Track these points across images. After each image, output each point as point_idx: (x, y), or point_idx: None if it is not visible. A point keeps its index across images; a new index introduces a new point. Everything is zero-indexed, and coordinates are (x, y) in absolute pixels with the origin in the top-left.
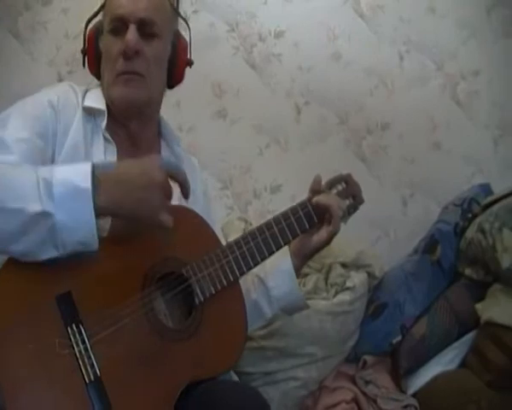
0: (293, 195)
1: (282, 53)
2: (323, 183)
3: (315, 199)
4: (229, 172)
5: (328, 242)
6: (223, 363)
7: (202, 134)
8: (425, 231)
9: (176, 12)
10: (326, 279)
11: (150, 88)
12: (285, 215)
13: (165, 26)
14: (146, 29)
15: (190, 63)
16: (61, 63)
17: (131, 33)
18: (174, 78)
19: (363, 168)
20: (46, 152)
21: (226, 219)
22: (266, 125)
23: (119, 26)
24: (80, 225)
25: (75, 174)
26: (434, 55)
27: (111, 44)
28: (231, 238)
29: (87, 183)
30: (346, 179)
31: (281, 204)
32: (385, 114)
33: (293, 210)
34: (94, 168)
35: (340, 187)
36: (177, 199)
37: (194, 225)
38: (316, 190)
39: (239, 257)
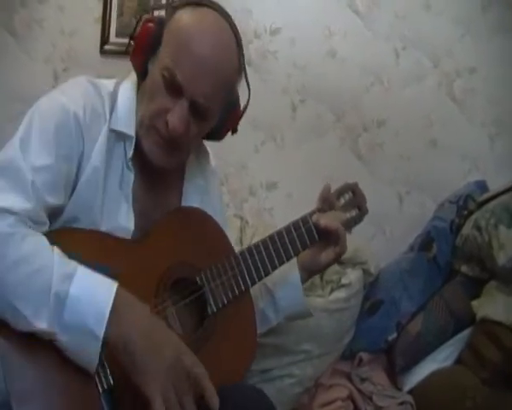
0: (288, 192)
1: (277, 50)
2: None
3: (314, 219)
4: (225, 170)
5: (335, 261)
6: (234, 374)
7: None
8: (421, 228)
9: (243, 75)
10: (321, 276)
11: (186, 156)
12: (296, 225)
13: (222, 104)
14: (199, 110)
15: (234, 131)
16: (56, 60)
17: (180, 115)
18: (213, 137)
19: (359, 165)
20: (70, 175)
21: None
22: (262, 123)
23: (173, 86)
24: (82, 356)
25: (90, 312)
26: (430, 52)
27: (159, 90)
28: (229, 236)
29: (100, 330)
30: (354, 189)
31: (276, 201)
32: (381, 111)
33: (304, 220)
34: (113, 304)
35: (347, 196)
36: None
37: (210, 230)
38: (325, 198)
39: (251, 267)
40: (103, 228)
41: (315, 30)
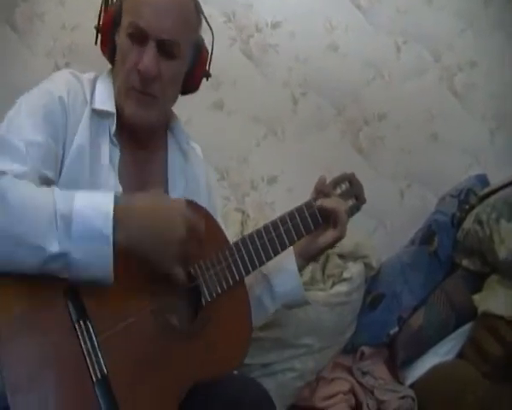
0: (290, 186)
1: (278, 44)
2: (327, 181)
3: (319, 202)
4: (226, 164)
5: (332, 245)
6: (228, 363)
7: (199, 125)
8: (422, 221)
9: (202, 18)
10: (323, 270)
11: (164, 106)
12: (291, 215)
13: (187, 43)
14: (166, 49)
15: (208, 75)
16: (58, 55)
17: (149, 56)
18: (189, 87)
19: (360, 159)
20: (57, 154)
21: (223, 210)
22: (263, 116)
23: (139, 35)
24: (97, 267)
25: (95, 214)
26: (431, 47)
27: (127, 50)
28: (229, 229)
29: (108, 228)
30: (350, 179)
31: (278, 195)
32: (382, 104)
33: (299, 210)
34: (115, 207)
35: (344, 187)
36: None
37: (204, 221)
38: (320, 189)
39: (245, 256)
40: None
41: (316, 23)
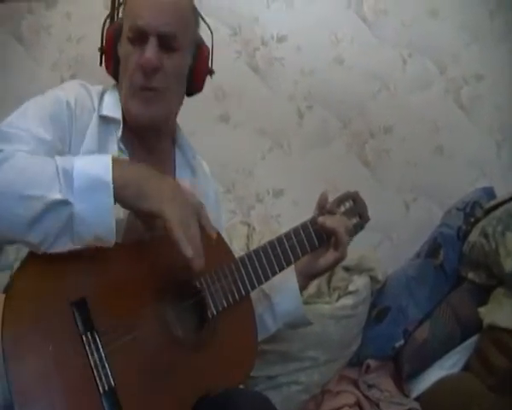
0: (295, 198)
1: (284, 57)
2: (330, 197)
3: (320, 220)
4: (232, 177)
5: (333, 266)
6: (235, 377)
7: (204, 138)
8: (428, 234)
9: (199, 18)
10: (328, 283)
11: (169, 103)
12: (296, 231)
13: (187, 37)
14: (167, 43)
15: (211, 72)
16: (63, 67)
17: (151, 50)
18: (194, 87)
19: (366, 172)
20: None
21: (229, 223)
22: (269, 129)
23: (139, 36)
24: (99, 219)
25: (95, 165)
26: (437, 59)
27: (129, 54)
28: (234, 242)
29: (108, 175)
30: (354, 197)
31: (283, 208)
32: (387, 117)
33: (304, 226)
34: (113, 158)
35: (347, 205)
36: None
37: (209, 236)
38: (322, 206)
39: (251, 272)
40: None
41: (322, 37)
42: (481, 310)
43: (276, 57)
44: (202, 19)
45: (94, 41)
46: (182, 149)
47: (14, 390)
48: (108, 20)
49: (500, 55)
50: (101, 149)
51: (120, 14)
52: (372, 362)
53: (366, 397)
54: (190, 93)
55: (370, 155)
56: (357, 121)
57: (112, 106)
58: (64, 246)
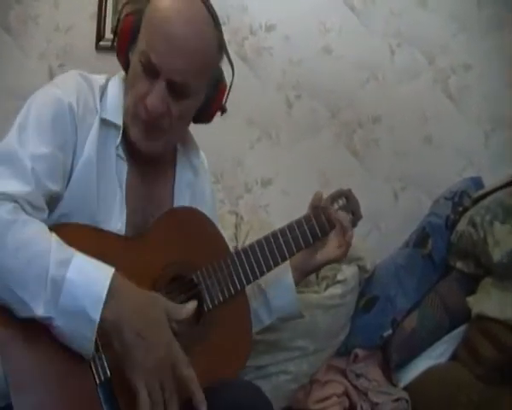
0: (284, 188)
1: (272, 46)
2: (322, 189)
3: (328, 211)
4: (221, 166)
5: (331, 263)
6: (229, 371)
7: (193, 128)
8: (416, 224)
9: (223, 52)
10: (317, 273)
11: (171, 140)
12: (291, 227)
13: (202, 83)
14: (177, 89)
15: (223, 110)
16: (51, 57)
17: (158, 95)
18: (202, 119)
19: (355, 162)
20: (66, 164)
21: (217, 212)
22: (257, 119)
23: (150, 69)
24: (77, 341)
25: (88, 291)
26: (425, 49)
27: (138, 76)
28: (223, 232)
29: (97, 312)
30: (347, 195)
31: (272, 198)
32: (376, 107)
33: (299, 223)
34: (109, 289)
35: (340, 202)
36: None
37: (205, 229)
38: (316, 205)
39: (246, 266)
40: (99, 217)
41: (310, 26)
42: (469, 299)
43: (265, 47)
44: (228, 59)
45: (82, 31)
46: (185, 146)
47: (11, 381)
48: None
49: (488, 44)
50: (100, 155)
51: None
52: (360, 352)
53: (354, 387)
54: (196, 122)
55: (359, 145)
56: (346, 111)
57: (113, 109)
58: None
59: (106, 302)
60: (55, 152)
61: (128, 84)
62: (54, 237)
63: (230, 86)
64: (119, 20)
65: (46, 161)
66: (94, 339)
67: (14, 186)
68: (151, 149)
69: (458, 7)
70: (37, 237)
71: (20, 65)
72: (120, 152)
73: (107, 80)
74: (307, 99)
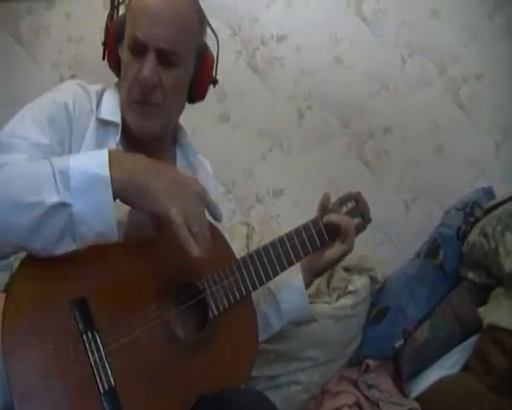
0: (295, 199)
1: (284, 57)
2: (332, 198)
3: (326, 218)
4: (232, 177)
5: (339, 260)
6: (235, 378)
7: (205, 138)
8: (427, 235)
9: (205, 24)
10: (328, 283)
11: (167, 116)
12: (297, 232)
13: (188, 50)
14: (166, 58)
15: (214, 82)
16: (63, 67)
17: (148, 66)
18: (195, 95)
19: (366, 172)
20: None
21: (229, 223)
22: (269, 129)
23: (138, 48)
24: (99, 216)
25: (91, 161)
26: (437, 59)
27: (128, 63)
28: (234, 243)
29: (105, 170)
30: (356, 198)
31: (283, 208)
32: (387, 117)
33: (306, 227)
34: (110, 152)
35: (350, 205)
36: None
37: (211, 236)
38: (325, 207)
39: (252, 272)
40: None
41: (321, 37)
42: (481, 310)
43: (276, 57)
44: (210, 26)
45: (93, 41)
46: (183, 147)
47: (14, 390)
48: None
49: (499, 54)
50: None
51: (123, 11)
52: (371, 362)
53: (366, 397)
54: (192, 101)
55: (370, 155)
56: (357, 121)
57: (111, 108)
58: (67, 247)
59: (110, 162)
60: (53, 144)
61: (121, 80)
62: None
63: (217, 57)
64: (106, 29)
65: (44, 149)
66: (112, 201)
67: (11, 156)
68: (150, 130)
69: (469, 17)
70: (35, 160)
71: (31, 75)
72: (121, 149)
73: (104, 89)
74: (318, 109)
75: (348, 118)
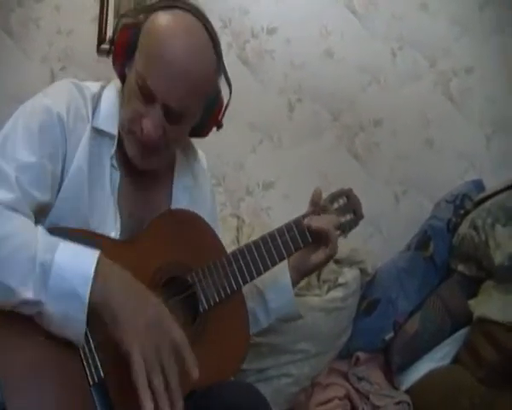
0: (285, 191)
1: (274, 49)
2: (323, 192)
3: (307, 222)
4: (222, 169)
5: (325, 263)
6: (225, 372)
7: None
8: (418, 227)
9: (222, 71)
10: (318, 276)
11: (168, 156)
12: (288, 227)
13: (199, 107)
14: (173, 115)
15: (219, 126)
16: (53, 59)
17: (154, 120)
18: (197, 135)
19: (356, 165)
20: (55, 174)
21: (219, 216)
22: (259, 122)
23: (146, 93)
24: (69, 326)
25: (76, 270)
26: (427, 52)
27: (134, 96)
28: (224, 235)
29: (85, 290)
30: (348, 194)
31: (273, 201)
32: (377, 110)
33: (297, 222)
34: (96, 269)
35: (341, 201)
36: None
37: (201, 231)
38: (316, 202)
39: (243, 266)
40: (93, 226)
41: (312, 29)
42: (471, 303)
43: (267, 50)
44: (226, 78)
45: (83, 34)
46: (184, 151)
47: (3, 382)
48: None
49: (489, 47)
50: (91, 164)
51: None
52: (362, 354)
53: (356, 390)
54: (192, 136)
55: (360, 148)
56: (348, 114)
57: (107, 118)
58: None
59: (94, 280)
60: (42, 161)
61: (124, 97)
62: (39, 228)
63: (227, 104)
64: (116, 27)
65: (32, 170)
66: (85, 320)
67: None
68: (147, 167)
69: (460, 10)
70: (23, 228)
71: (21, 68)
72: (114, 162)
73: (102, 88)
74: (309, 102)
75: (338, 111)
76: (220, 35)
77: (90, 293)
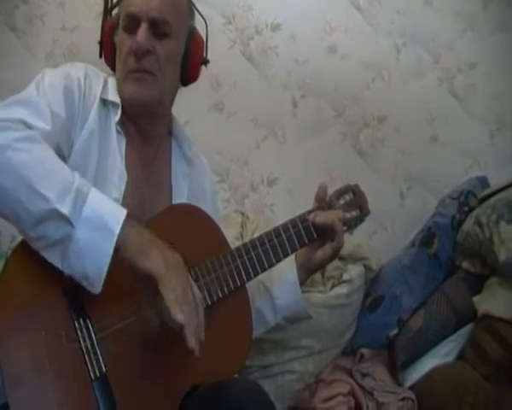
0: (290, 187)
1: (278, 46)
2: (326, 187)
3: (311, 217)
4: (226, 166)
5: (333, 257)
6: (228, 368)
7: (199, 127)
8: (422, 223)
9: (193, 8)
10: (322, 272)
11: (162, 87)
12: (293, 223)
13: (179, 24)
14: (158, 28)
15: (206, 62)
16: (58, 56)
17: (141, 33)
18: (188, 76)
19: (360, 161)
20: (71, 134)
21: (223, 212)
22: (263, 118)
23: (132, 23)
24: (93, 258)
25: (109, 210)
26: (431, 48)
27: (123, 41)
28: (228, 231)
29: (116, 226)
30: (354, 190)
31: (278, 197)
32: (382, 106)
33: (301, 218)
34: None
35: (347, 197)
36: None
37: (204, 226)
38: (321, 198)
39: (247, 262)
40: (98, 186)
41: (316, 25)
42: (475, 299)
43: (271, 46)
44: (196, 9)
45: (88, 30)
46: (178, 139)
47: (6, 375)
48: (108, 17)
49: (494, 43)
50: (101, 130)
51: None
52: (366, 351)
53: (360, 386)
54: (185, 83)
55: (365, 144)
56: (352, 110)
57: (112, 90)
58: (51, 259)
59: (125, 221)
60: (66, 117)
61: (117, 62)
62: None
63: (207, 40)
64: (102, 31)
65: (60, 120)
66: (111, 254)
67: (35, 121)
68: (145, 98)
69: (464, 6)
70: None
71: (25, 64)
72: (119, 128)
73: (108, 76)
74: (313, 98)
75: (343, 107)
76: (224, 31)
77: (120, 230)
